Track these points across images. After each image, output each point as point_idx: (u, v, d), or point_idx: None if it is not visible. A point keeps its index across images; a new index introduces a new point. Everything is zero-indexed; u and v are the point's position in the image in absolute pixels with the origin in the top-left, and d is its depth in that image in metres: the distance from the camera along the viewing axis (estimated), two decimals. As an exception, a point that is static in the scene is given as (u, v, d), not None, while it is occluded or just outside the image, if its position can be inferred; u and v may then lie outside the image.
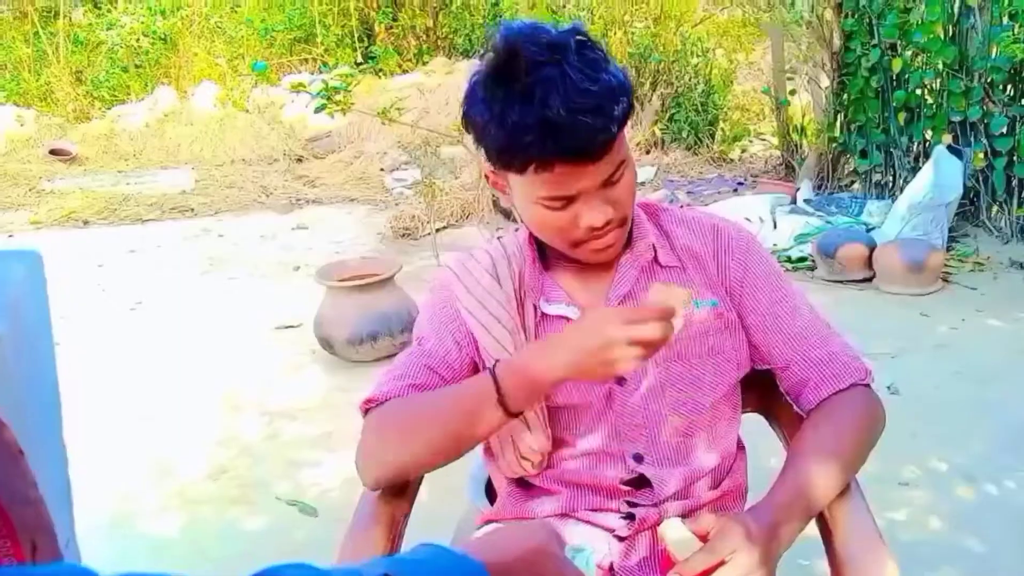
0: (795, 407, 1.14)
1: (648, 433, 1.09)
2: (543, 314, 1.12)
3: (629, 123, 1.10)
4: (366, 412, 1.13)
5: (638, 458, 1.09)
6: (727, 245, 1.14)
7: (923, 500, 2.32)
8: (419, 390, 1.11)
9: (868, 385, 1.10)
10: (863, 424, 1.07)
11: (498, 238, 1.22)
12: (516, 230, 1.19)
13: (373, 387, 1.15)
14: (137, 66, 9.81)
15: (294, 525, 2.39)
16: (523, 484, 1.15)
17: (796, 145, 6.11)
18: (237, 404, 3.16)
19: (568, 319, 1.10)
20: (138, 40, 9.70)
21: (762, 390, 1.23)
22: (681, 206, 5.42)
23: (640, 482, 1.09)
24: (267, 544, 2.30)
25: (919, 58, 4.92)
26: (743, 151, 7.09)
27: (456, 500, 1.51)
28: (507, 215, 4.85)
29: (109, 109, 9.13)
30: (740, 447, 1.21)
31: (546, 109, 0.90)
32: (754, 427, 1.32)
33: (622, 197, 1.02)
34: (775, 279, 1.14)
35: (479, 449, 1.23)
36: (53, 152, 7.94)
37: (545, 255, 1.16)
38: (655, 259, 1.12)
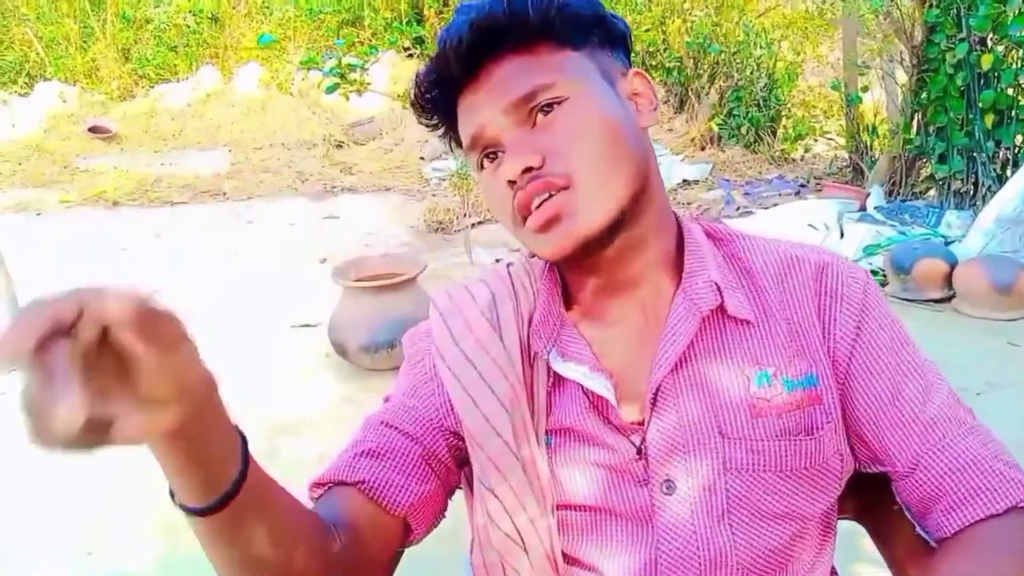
0: (917, 528, 0.78)
1: (702, 567, 0.75)
2: (556, 376, 0.78)
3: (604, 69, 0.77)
4: (310, 490, 0.81)
5: None
6: (836, 290, 0.78)
7: None
8: (369, 456, 0.78)
9: None
10: None
11: (507, 265, 0.88)
12: (532, 255, 0.86)
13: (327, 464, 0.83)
14: (185, 45, 9.68)
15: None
16: None
17: (866, 146, 5.64)
18: (238, 414, 2.87)
19: (587, 391, 0.76)
20: (184, 18, 9.56)
21: (865, 490, 0.86)
22: (737, 208, 5.01)
23: None
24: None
25: (1013, 54, 4.43)
26: (806, 151, 6.62)
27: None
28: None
29: (153, 88, 9.02)
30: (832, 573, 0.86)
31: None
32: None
33: (558, 143, 0.72)
34: (899, 343, 0.78)
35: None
36: (92, 130, 7.84)
37: (568, 292, 0.83)
38: (722, 307, 0.77)
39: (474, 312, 0.82)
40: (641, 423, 0.75)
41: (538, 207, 0.71)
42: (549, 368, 0.78)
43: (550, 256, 0.75)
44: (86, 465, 2.62)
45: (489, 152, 0.75)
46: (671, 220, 0.81)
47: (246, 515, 0.62)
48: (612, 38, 0.79)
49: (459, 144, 0.81)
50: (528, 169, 0.71)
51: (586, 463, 0.76)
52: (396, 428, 0.80)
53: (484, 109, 0.74)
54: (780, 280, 0.79)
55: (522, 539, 0.76)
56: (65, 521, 2.32)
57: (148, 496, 2.44)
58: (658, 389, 0.74)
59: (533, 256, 0.85)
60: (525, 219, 0.73)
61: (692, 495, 0.74)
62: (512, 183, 0.72)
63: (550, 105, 0.72)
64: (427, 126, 0.83)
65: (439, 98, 0.78)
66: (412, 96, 0.80)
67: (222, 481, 0.58)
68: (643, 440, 0.75)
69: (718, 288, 0.76)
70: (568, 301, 0.82)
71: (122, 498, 2.43)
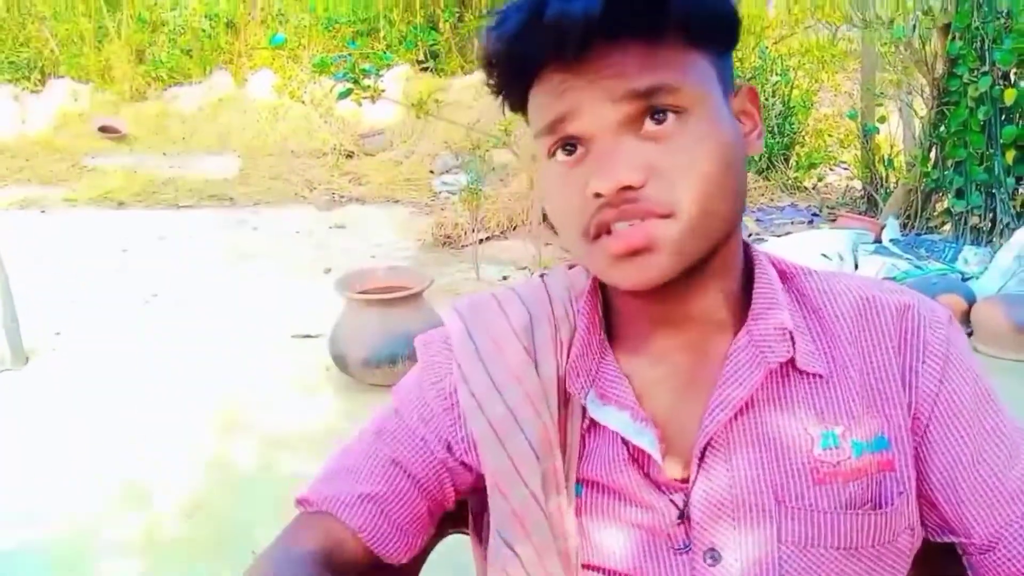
0: None
1: None
2: (591, 421, 0.68)
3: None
4: (298, 503, 0.74)
5: None
6: (919, 337, 0.68)
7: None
8: (372, 502, 0.71)
9: None
10: None
11: (541, 276, 0.77)
12: (570, 267, 0.76)
13: (319, 476, 0.75)
14: (199, 49, 9.67)
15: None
16: None
17: (881, 178, 5.56)
18: (233, 424, 2.79)
19: (626, 441, 0.66)
20: (199, 22, 9.56)
21: (927, 557, 0.76)
22: (749, 235, 4.89)
23: None
24: (231, 610, 1.93)
25: (1037, 90, 4.36)
26: (819, 180, 6.55)
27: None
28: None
29: (165, 90, 8.99)
30: None
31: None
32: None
33: (669, 165, 0.59)
34: (982, 399, 0.68)
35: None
36: (102, 129, 7.81)
37: (609, 315, 0.72)
38: (792, 360, 0.66)
39: (504, 329, 0.71)
40: (685, 480, 0.66)
41: (624, 229, 0.60)
42: (583, 413, 0.69)
43: (624, 286, 0.63)
44: (80, 462, 2.54)
45: (569, 143, 0.62)
46: (741, 252, 0.70)
47: None
48: (733, 43, 0.66)
49: (515, 109, 0.68)
50: (627, 187, 0.59)
51: (620, 522, 0.67)
52: (404, 469, 0.72)
53: (583, 93, 0.60)
54: (856, 326, 0.68)
55: None
56: (46, 535, 2.23)
57: (132, 512, 2.35)
58: (707, 443, 0.65)
59: (573, 267, 0.76)
60: (600, 235, 0.61)
61: (739, 569, 0.65)
62: (598, 194, 0.60)
63: (665, 112, 0.59)
64: (490, 89, 0.68)
65: (520, 67, 0.63)
66: (487, 55, 0.64)
67: None
68: (686, 501, 0.65)
69: (791, 337, 0.66)
70: (608, 326, 0.71)
71: (104, 513, 2.34)
